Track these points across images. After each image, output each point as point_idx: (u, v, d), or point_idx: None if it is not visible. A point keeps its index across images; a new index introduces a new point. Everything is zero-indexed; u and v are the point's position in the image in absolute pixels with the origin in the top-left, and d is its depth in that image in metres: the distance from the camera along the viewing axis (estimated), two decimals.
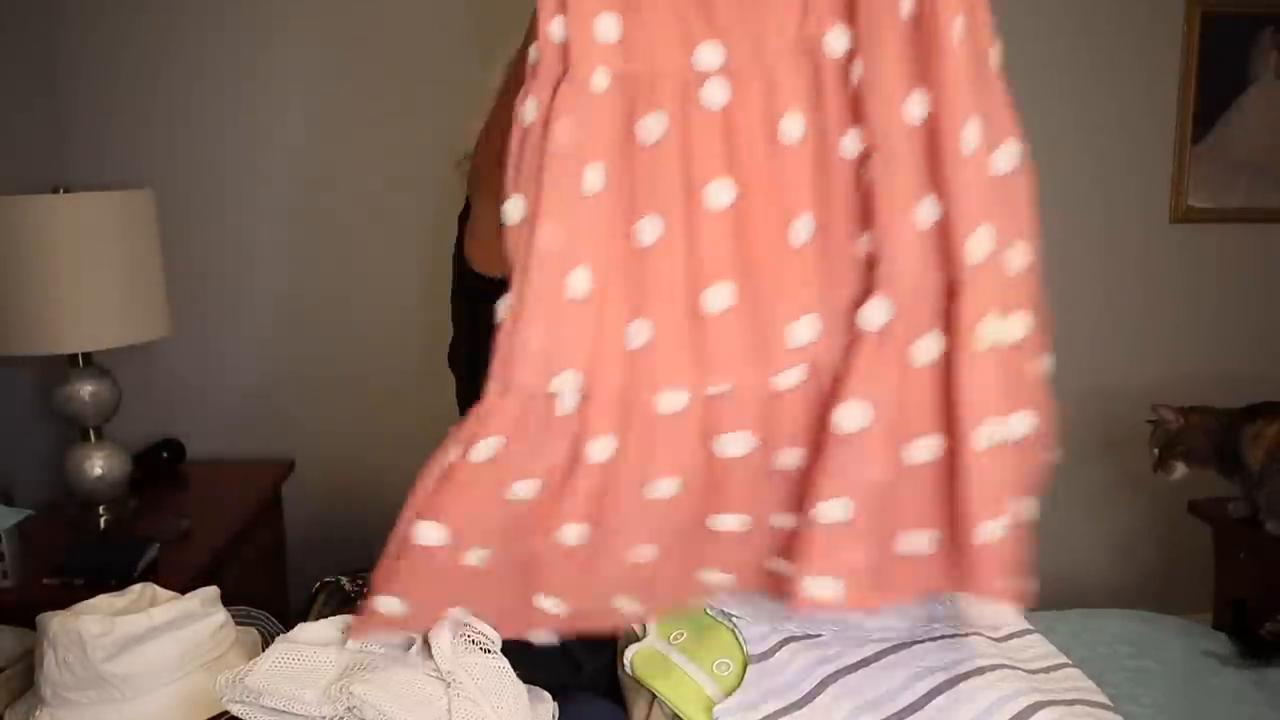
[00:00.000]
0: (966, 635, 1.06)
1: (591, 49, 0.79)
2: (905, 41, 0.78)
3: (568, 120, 0.79)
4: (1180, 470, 2.23)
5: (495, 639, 1.00)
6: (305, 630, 0.97)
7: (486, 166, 1.04)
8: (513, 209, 0.82)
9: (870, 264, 0.82)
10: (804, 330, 0.84)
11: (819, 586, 0.84)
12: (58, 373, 1.87)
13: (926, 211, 0.80)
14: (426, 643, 1.00)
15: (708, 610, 1.06)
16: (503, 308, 0.82)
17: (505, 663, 0.97)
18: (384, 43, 2.27)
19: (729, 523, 0.90)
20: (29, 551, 1.64)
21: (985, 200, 0.79)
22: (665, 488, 0.87)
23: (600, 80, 0.80)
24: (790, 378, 0.85)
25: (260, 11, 2.23)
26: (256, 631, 1.25)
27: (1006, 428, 0.81)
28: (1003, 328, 0.81)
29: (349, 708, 0.86)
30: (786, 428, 0.86)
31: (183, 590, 1.15)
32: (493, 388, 0.84)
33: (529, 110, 0.81)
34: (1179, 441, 2.21)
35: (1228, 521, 2.31)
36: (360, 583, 1.26)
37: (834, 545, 0.83)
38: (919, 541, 0.86)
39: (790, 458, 0.87)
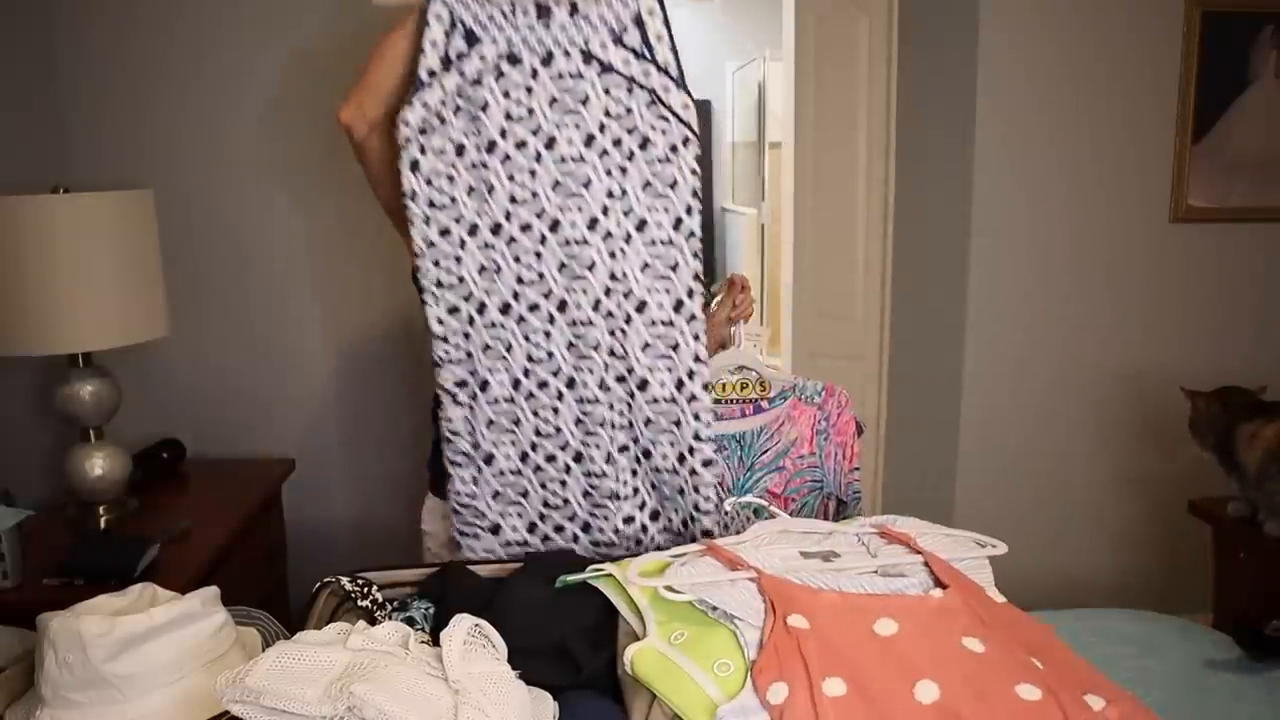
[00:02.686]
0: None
1: None
2: None
3: None
4: (1195, 450, 2.25)
5: (502, 646, 1.00)
6: (307, 634, 0.97)
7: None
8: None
9: None
10: None
11: None
12: (58, 373, 1.87)
13: None
14: (427, 641, 1.01)
15: (708, 610, 1.06)
16: None
17: (509, 669, 0.97)
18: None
19: None
20: (29, 551, 1.64)
21: None
22: None
23: None
24: None
25: (259, 12, 2.23)
26: (256, 631, 1.25)
27: None
28: None
29: (349, 707, 0.86)
30: None
31: (183, 590, 1.15)
32: None
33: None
34: (1191, 423, 2.23)
35: (1228, 521, 2.31)
36: (360, 583, 1.25)
37: None
38: None
39: None
